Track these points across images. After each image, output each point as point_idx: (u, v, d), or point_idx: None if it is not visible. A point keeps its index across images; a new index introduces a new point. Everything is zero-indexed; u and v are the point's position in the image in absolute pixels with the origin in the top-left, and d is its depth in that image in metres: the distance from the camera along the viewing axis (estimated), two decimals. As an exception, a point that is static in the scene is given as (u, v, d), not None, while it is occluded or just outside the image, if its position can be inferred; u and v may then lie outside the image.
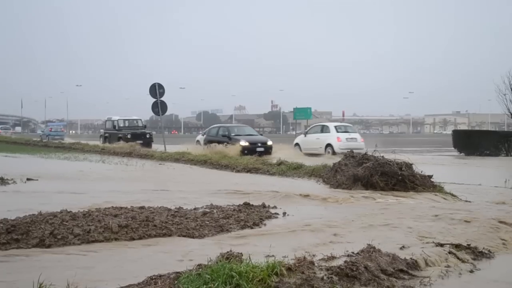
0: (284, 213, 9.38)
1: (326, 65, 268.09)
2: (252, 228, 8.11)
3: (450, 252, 6.34)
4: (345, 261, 5.43)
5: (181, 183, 14.76)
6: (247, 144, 27.58)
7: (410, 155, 19.27)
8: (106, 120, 43.23)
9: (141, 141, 35.92)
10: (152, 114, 33.20)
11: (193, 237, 7.34)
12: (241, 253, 5.63)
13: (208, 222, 8.08)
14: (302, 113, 46.82)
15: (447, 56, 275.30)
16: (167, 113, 34.59)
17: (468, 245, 6.73)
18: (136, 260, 6.07)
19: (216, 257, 5.52)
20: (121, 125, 40.44)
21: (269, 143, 28.71)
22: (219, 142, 28.24)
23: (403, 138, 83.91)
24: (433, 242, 6.78)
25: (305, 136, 31.74)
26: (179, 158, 24.30)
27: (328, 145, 29.06)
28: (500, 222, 8.44)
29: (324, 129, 30.65)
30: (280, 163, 18.64)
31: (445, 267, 5.89)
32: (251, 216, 8.80)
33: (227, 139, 28.76)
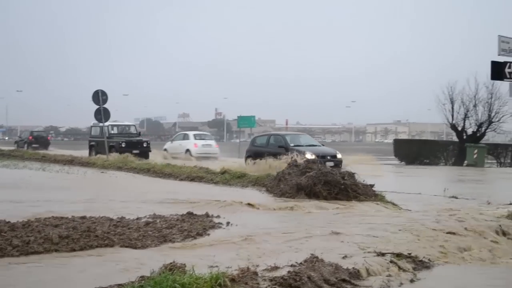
0: (228, 223, 9.36)
1: (272, 75, 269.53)
2: (195, 238, 8.06)
3: (391, 261, 6.45)
4: (289, 271, 5.45)
5: (123, 192, 14.56)
6: (314, 157, 21.03)
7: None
8: (92, 126, 35.85)
9: (137, 151, 30.86)
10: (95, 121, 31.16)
11: (135, 248, 7.25)
12: (185, 264, 5.58)
13: (151, 232, 8.01)
14: (246, 121, 47.08)
15: (388, 66, 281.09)
16: (110, 120, 33.36)
17: (409, 254, 6.85)
18: (77, 272, 5.96)
19: (159, 268, 5.46)
20: (112, 131, 33.69)
21: (339, 156, 23.37)
22: (270, 154, 22.58)
23: (345, 147, 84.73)
24: (375, 251, 6.87)
25: (172, 142, 36.63)
26: (121, 166, 23.97)
27: (187, 150, 33.51)
28: (439, 230, 8.63)
29: (185, 136, 35.81)
30: (224, 172, 18.59)
31: (387, 276, 5.98)
32: (195, 225, 8.76)
33: (284, 150, 22.79)
